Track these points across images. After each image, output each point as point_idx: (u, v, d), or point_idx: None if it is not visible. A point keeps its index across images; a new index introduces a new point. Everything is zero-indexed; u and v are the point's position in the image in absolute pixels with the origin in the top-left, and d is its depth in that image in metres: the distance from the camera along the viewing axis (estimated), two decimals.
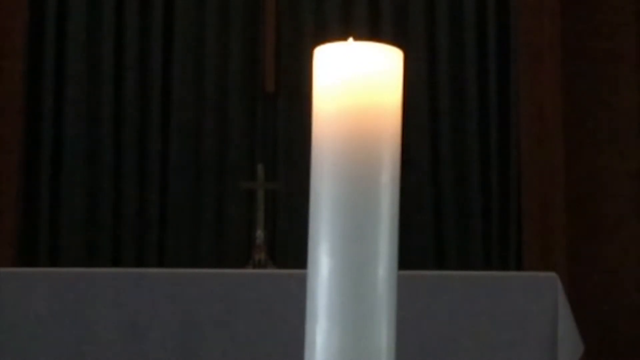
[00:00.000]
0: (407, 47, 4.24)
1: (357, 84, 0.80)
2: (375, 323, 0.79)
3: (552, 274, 3.16)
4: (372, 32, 4.41)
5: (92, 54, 4.46)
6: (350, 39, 0.83)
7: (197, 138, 4.48)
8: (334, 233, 0.79)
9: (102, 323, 3.02)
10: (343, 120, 0.80)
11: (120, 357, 3.02)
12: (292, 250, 4.30)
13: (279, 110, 4.51)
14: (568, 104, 4.39)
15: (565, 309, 3.08)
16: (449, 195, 4.43)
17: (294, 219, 4.32)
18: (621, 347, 4.25)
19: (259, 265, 3.76)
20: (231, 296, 3.07)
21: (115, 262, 4.32)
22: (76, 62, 4.44)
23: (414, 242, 4.32)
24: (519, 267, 4.32)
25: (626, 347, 4.25)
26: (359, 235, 0.79)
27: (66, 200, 4.37)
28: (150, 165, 4.43)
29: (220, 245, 4.40)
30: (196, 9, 4.53)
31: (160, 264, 4.31)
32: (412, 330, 2.95)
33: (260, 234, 3.85)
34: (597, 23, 4.44)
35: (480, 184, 4.44)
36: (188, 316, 3.04)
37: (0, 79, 4.36)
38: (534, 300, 3.09)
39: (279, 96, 4.50)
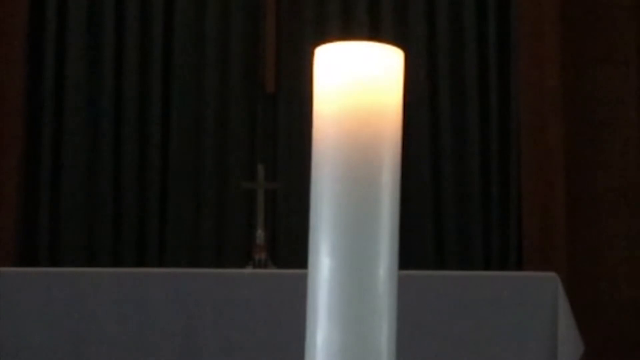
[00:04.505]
0: (407, 47, 4.24)
1: (357, 84, 0.80)
2: (376, 323, 0.79)
3: (552, 274, 3.16)
4: (372, 32, 4.41)
5: (92, 52, 4.46)
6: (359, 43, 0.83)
7: (198, 138, 4.48)
8: (335, 233, 0.79)
9: (102, 323, 3.02)
10: (343, 120, 0.80)
11: (120, 357, 3.02)
12: (292, 250, 4.30)
13: (279, 111, 4.51)
14: (569, 104, 4.39)
15: (565, 309, 3.08)
16: (449, 195, 4.43)
17: (294, 219, 4.32)
18: (621, 347, 4.25)
19: (259, 265, 3.76)
20: (231, 296, 3.07)
21: (115, 262, 4.32)
22: (76, 61, 4.44)
23: (414, 242, 4.32)
24: (519, 267, 4.32)
25: (626, 347, 4.25)
26: (359, 235, 0.79)
27: (66, 199, 4.37)
28: (150, 165, 4.43)
29: (220, 245, 4.40)
30: (196, 9, 4.53)
31: (160, 263, 4.31)
32: (412, 330, 2.94)
33: (260, 234, 3.85)
34: (597, 24, 4.44)
35: (481, 184, 4.44)
36: (188, 316, 3.04)
37: (0, 76, 4.36)
38: (534, 300, 3.09)
39: (279, 96, 4.50)
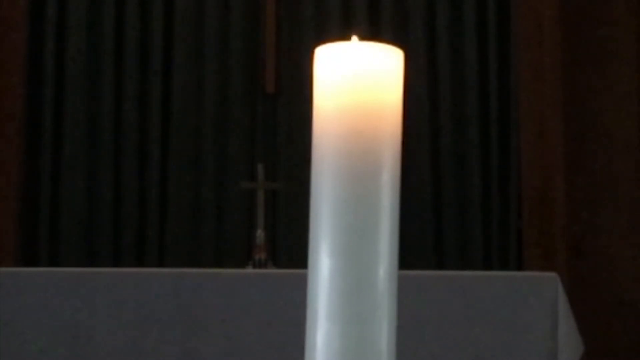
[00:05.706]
0: (407, 47, 4.24)
1: (357, 83, 0.80)
2: (376, 323, 0.79)
3: (552, 274, 3.15)
4: (372, 32, 4.41)
5: (92, 54, 4.46)
6: (354, 38, 0.83)
7: (198, 138, 4.48)
8: (334, 233, 0.79)
9: (102, 323, 3.02)
10: (343, 120, 0.80)
11: (120, 357, 3.02)
12: (292, 250, 4.30)
13: (279, 111, 4.51)
14: (569, 104, 4.39)
15: (565, 309, 3.07)
16: (449, 195, 4.44)
17: (294, 219, 4.32)
18: (621, 347, 4.25)
19: (259, 265, 3.76)
20: (231, 296, 3.07)
21: (115, 262, 4.32)
22: (77, 62, 4.44)
23: (414, 242, 4.32)
24: (519, 267, 4.32)
25: (626, 347, 4.25)
26: (359, 235, 0.79)
27: (66, 200, 4.37)
28: (150, 165, 4.43)
29: (220, 245, 4.40)
30: (196, 9, 4.53)
31: (160, 264, 4.31)
32: (412, 331, 2.94)
33: (260, 234, 3.85)
34: (597, 25, 4.44)
35: (481, 184, 4.44)
36: (188, 316, 3.04)
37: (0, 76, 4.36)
38: (534, 300, 3.09)
39: (280, 96, 4.50)
